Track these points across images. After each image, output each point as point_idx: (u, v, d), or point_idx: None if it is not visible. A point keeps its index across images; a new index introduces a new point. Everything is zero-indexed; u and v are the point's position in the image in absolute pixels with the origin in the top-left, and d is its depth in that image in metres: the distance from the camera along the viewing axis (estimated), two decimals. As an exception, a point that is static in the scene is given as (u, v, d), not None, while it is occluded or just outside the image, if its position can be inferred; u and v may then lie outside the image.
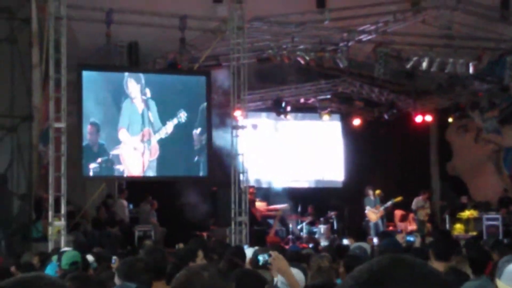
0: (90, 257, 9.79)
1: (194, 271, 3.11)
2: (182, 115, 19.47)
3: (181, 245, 13.23)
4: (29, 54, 17.51)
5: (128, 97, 19.03)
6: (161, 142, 19.26)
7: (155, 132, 19.24)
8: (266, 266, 5.98)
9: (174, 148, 19.49)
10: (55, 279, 2.00)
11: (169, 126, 19.36)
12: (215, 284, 3.02)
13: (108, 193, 21.83)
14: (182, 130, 19.49)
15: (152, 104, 19.24)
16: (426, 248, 8.36)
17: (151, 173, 19.44)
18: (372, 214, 23.71)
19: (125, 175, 19.50)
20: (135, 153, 19.06)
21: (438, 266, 6.92)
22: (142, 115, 19.16)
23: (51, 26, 16.13)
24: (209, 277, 3.03)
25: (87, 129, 18.42)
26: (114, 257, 9.85)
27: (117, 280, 6.09)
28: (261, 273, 5.65)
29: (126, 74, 19.23)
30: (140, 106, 19.15)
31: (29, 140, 17.97)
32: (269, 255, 5.88)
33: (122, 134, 18.90)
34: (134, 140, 19.02)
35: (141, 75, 19.37)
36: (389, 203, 23.84)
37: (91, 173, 18.66)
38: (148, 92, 19.20)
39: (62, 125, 15.86)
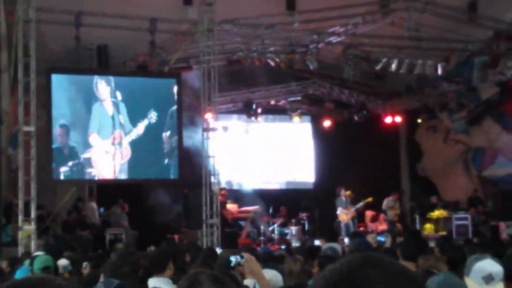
0: (64, 261, 9.75)
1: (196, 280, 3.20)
2: (153, 115, 19.45)
3: (152, 248, 13.21)
4: (-3, 58, 17.38)
5: (98, 100, 18.96)
6: (133, 144, 19.23)
7: (126, 134, 19.20)
8: (236, 267, 5.99)
9: (145, 150, 19.47)
10: (64, 283, 1.99)
11: (140, 127, 19.32)
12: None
13: (78, 197, 21.71)
14: (153, 132, 19.47)
15: (122, 106, 19.19)
16: (396, 248, 8.43)
17: (123, 176, 19.40)
18: (344, 215, 23.81)
19: (96, 178, 19.43)
20: (107, 156, 19.00)
21: (407, 265, 6.96)
22: (113, 117, 19.10)
23: (19, 30, 16.04)
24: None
25: (57, 131, 18.34)
26: (85, 263, 9.82)
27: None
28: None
29: (96, 77, 19.16)
30: (110, 108, 19.09)
31: (-1, 144, 17.82)
32: (242, 257, 5.89)
33: (93, 138, 18.84)
34: (105, 143, 18.96)
35: (111, 78, 19.31)
36: (360, 204, 23.98)
37: (61, 177, 18.57)
38: (118, 94, 19.15)
39: (31, 128, 15.77)
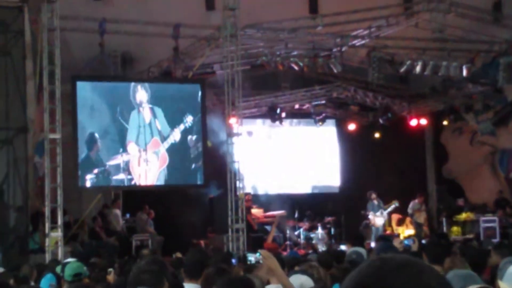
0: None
1: None
2: (189, 120, 19.62)
3: (178, 255, 13.22)
4: (23, 66, 17.49)
5: (135, 108, 19.17)
6: (170, 150, 19.52)
7: (163, 141, 19.42)
8: (255, 265, 5.97)
9: (181, 155, 19.71)
10: None
11: (177, 133, 19.54)
12: None
13: (104, 203, 21.81)
14: (186, 137, 19.74)
15: (158, 111, 19.40)
16: (422, 251, 8.37)
17: (161, 182, 19.68)
18: (377, 219, 23.67)
19: (136, 184, 19.63)
20: (145, 164, 19.22)
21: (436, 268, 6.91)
22: (150, 124, 19.31)
23: (44, 38, 16.14)
24: None
25: (84, 140, 18.55)
26: (110, 269, 9.85)
27: None
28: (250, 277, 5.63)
29: (133, 83, 19.41)
30: (147, 115, 19.31)
31: (25, 152, 17.92)
32: (259, 254, 5.87)
33: (131, 147, 19.05)
34: (143, 151, 19.20)
35: (147, 84, 19.55)
36: (392, 207, 23.83)
37: (87, 184, 18.70)
38: (154, 100, 19.39)
39: (57, 136, 15.86)
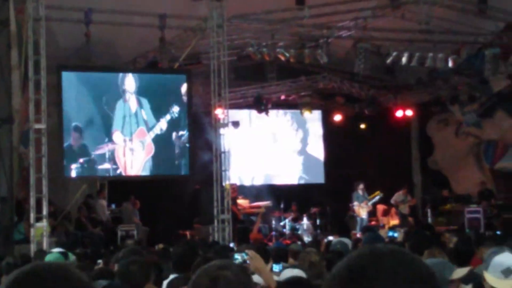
0: (71, 257, 9.81)
1: (215, 274, 2.93)
2: (175, 110, 19.58)
3: (160, 246, 13.21)
4: (8, 56, 17.39)
5: (121, 98, 19.11)
6: (155, 140, 19.47)
7: (149, 130, 19.38)
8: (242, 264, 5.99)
9: (167, 145, 19.67)
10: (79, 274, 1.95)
11: (163, 123, 19.51)
12: (240, 280, 2.91)
13: (88, 194, 21.75)
14: (172, 127, 19.68)
15: (145, 102, 19.35)
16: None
17: (146, 172, 19.63)
18: (361, 209, 23.80)
19: (122, 174, 19.57)
20: (130, 153, 19.16)
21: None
22: (136, 114, 19.26)
23: (29, 28, 16.06)
24: (233, 275, 2.91)
25: (70, 133, 18.50)
26: (99, 260, 9.88)
27: None
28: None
29: (121, 74, 19.38)
30: (134, 105, 19.27)
31: (10, 142, 17.85)
32: (246, 254, 5.90)
33: (117, 136, 18.99)
34: (128, 140, 19.14)
35: (135, 74, 19.52)
36: (377, 198, 23.95)
37: (73, 174, 18.66)
38: (141, 90, 19.34)
39: (42, 126, 15.80)
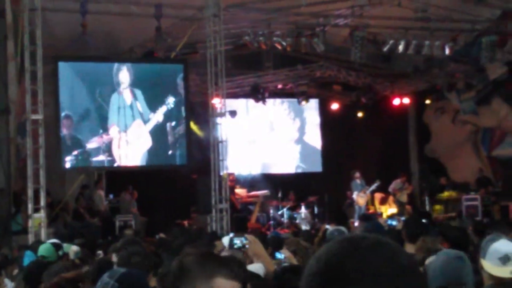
0: (75, 247, 9.87)
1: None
2: (170, 101, 19.53)
3: (161, 235, 13.23)
4: (4, 47, 17.36)
5: (115, 90, 19.06)
6: (153, 132, 19.43)
7: (145, 122, 19.33)
8: (241, 249, 6.01)
9: (163, 136, 19.63)
10: None
11: (159, 114, 19.46)
12: None
13: (84, 184, 21.75)
14: (170, 117, 19.65)
15: (139, 93, 19.29)
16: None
17: (142, 163, 19.61)
18: (360, 198, 23.81)
19: (118, 165, 19.55)
20: (126, 145, 19.14)
21: (411, 248, 6.98)
22: (131, 106, 19.21)
23: (25, 18, 16.01)
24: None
25: (62, 122, 18.44)
26: (99, 251, 9.94)
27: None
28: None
29: (116, 64, 19.28)
30: (128, 97, 19.20)
31: (7, 133, 17.84)
32: (245, 239, 5.93)
33: (113, 130, 18.95)
34: (124, 133, 19.10)
35: (129, 65, 19.43)
36: (374, 186, 23.96)
37: (67, 165, 18.64)
38: (135, 81, 19.28)
39: (39, 117, 15.76)
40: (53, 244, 9.54)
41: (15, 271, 8.38)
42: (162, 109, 19.54)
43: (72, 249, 9.70)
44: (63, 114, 18.47)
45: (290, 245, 7.68)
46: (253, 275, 5.37)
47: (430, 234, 7.60)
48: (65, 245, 9.85)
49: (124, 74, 19.22)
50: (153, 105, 19.49)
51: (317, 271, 1.66)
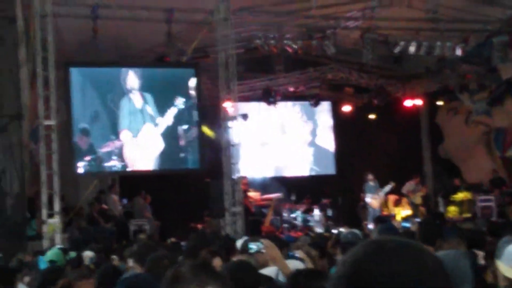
0: (89, 253, 9.91)
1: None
2: (180, 102, 19.54)
3: (172, 240, 13.24)
4: (16, 53, 17.44)
5: (125, 94, 19.09)
6: (164, 135, 19.45)
7: (156, 126, 19.36)
8: (255, 254, 6.01)
9: (174, 139, 19.65)
10: None
11: (169, 117, 19.47)
12: None
13: (100, 189, 21.81)
14: (180, 120, 19.66)
15: (148, 97, 19.32)
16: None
17: (155, 167, 19.62)
18: (374, 200, 23.72)
19: (132, 169, 19.58)
20: (138, 150, 19.18)
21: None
22: (141, 110, 19.23)
23: (36, 24, 16.07)
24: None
25: (77, 134, 18.53)
26: (114, 256, 9.97)
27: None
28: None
29: (124, 69, 19.30)
30: (138, 101, 19.22)
31: (20, 139, 17.91)
32: (261, 243, 5.93)
33: (124, 134, 18.99)
34: (135, 137, 19.14)
35: (137, 69, 19.45)
36: (389, 187, 23.84)
37: (80, 171, 18.69)
38: (145, 85, 19.31)
39: (52, 122, 15.83)
40: (61, 248, 9.64)
41: (26, 278, 8.38)
42: (172, 111, 19.54)
43: (87, 254, 9.74)
44: (80, 126, 18.56)
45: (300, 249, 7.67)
46: (266, 278, 5.37)
47: (451, 236, 7.57)
48: (71, 253, 9.94)
49: (134, 79, 19.26)
50: (163, 108, 19.50)
51: (343, 275, 1.68)
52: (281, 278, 5.75)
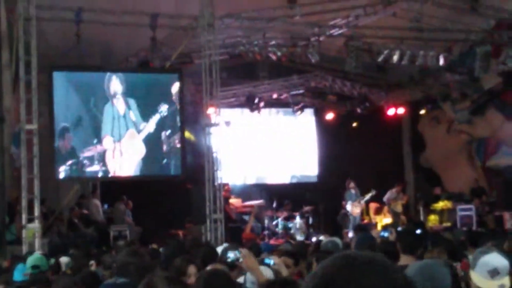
0: (65, 259, 9.85)
1: None
2: (164, 109, 19.46)
3: (154, 246, 13.19)
4: (-2, 56, 17.36)
5: (108, 100, 18.98)
6: (145, 140, 19.34)
7: (139, 132, 19.26)
8: (234, 263, 6.02)
9: (156, 145, 19.54)
10: None
11: (152, 123, 19.38)
12: None
13: (81, 194, 21.72)
14: (163, 126, 19.56)
15: (132, 102, 19.23)
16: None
17: (137, 173, 19.51)
18: (354, 208, 23.77)
19: (112, 175, 19.44)
20: (120, 155, 19.06)
21: (406, 259, 6.93)
22: (124, 116, 19.14)
23: (20, 27, 15.99)
24: None
25: (58, 137, 18.38)
26: (91, 261, 9.92)
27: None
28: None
29: (108, 73, 19.19)
30: (121, 106, 19.12)
31: (1, 142, 17.80)
32: (239, 252, 5.93)
33: (107, 141, 18.88)
34: (118, 143, 19.03)
35: (121, 74, 19.34)
36: (369, 195, 23.91)
37: (61, 176, 18.56)
38: (128, 91, 19.21)
39: (33, 126, 15.72)
40: (41, 254, 9.60)
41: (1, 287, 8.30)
42: (155, 118, 19.46)
43: (63, 260, 9.69)
44: (61, 125, 18.40)
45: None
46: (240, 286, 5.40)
47: (433, 246, 7.59)
48: (51, 259, 9.88)
49: (117, 84, 19.16)
50: (146, 114, 19.41)
51: (312, 286, 1.70)
52: (249, 285, 5.76)
